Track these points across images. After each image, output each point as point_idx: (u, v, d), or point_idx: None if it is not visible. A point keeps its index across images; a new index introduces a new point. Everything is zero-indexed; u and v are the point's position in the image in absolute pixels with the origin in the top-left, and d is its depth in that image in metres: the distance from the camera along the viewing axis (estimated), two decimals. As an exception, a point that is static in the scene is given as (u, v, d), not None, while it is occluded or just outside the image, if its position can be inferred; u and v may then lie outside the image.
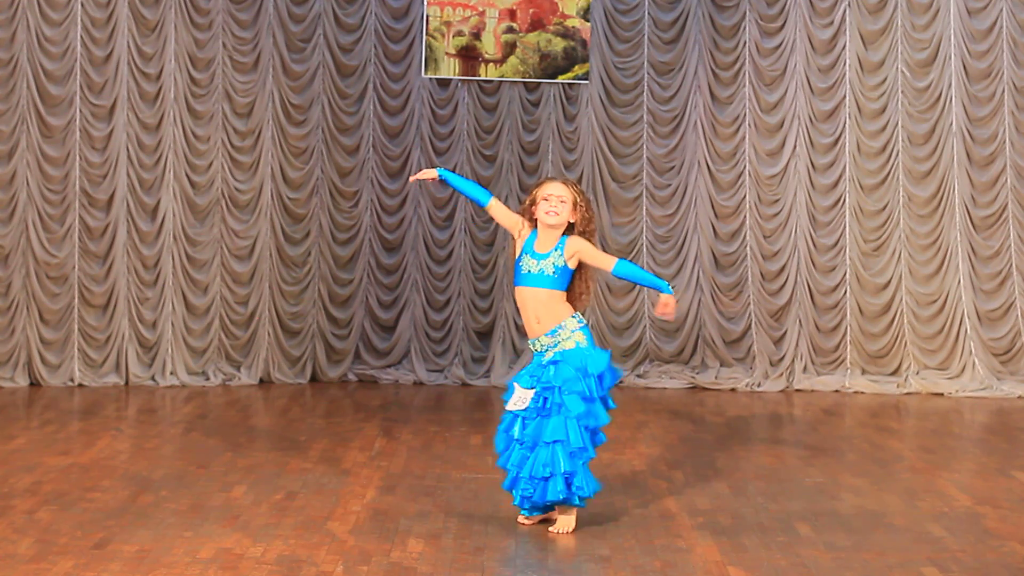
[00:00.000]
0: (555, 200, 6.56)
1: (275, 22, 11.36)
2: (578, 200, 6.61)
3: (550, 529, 6.52)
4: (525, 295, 6.59)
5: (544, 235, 6.60)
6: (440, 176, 6.89)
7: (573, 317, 6.58)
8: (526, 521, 6.63)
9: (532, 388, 6.54)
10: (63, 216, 10.98)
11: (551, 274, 6.54)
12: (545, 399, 6.48)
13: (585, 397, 6.48)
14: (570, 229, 6.63)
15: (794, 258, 11.64)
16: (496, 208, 6.78)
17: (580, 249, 6.57)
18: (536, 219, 6.61)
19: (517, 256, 6.64)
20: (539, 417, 6.49)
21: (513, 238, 6.70)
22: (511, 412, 6.60)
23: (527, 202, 6.67)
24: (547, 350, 6.56)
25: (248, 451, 8.37)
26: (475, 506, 6.96)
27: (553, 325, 6.54)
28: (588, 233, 6.63)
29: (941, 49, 11.55)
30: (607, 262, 6.59)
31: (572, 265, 6.58)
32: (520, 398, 6.56)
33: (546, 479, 6.44)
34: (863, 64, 11.60)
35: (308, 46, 11.45)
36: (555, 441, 6.43)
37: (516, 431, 6.56)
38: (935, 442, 9.35)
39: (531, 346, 6.65)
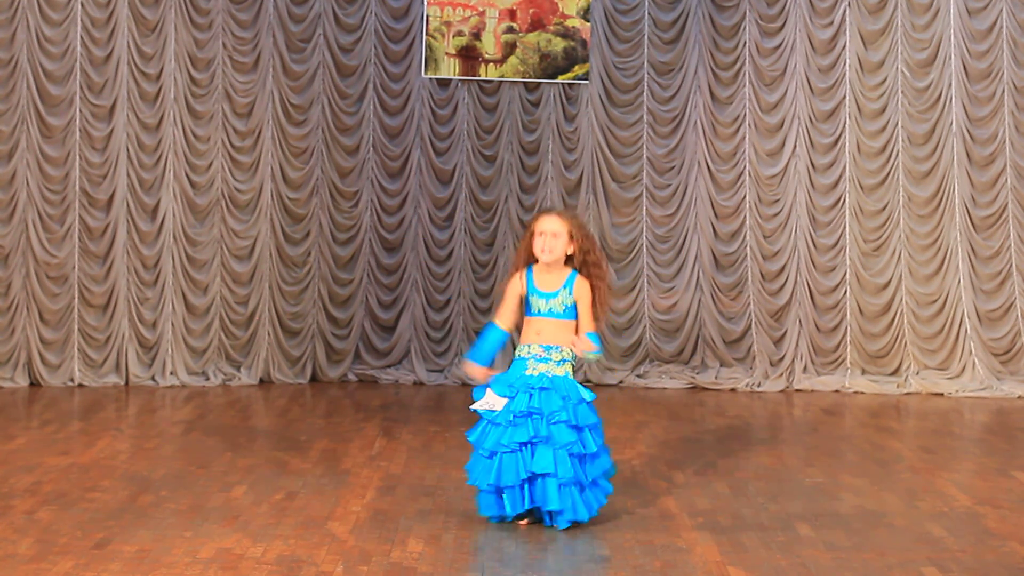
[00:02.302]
0: (548, 236, 6.54)
1: (275, 22, 11.36)
2: (574, 232, 6.59)
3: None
4: (535, 320, 6.60)
5: (544, 271, 6.59)
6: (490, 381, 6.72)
7: (569, 348, 6.59)
8: (522, 523, 6.64)
9: (506, 396, 6.51)
10: (63, 216, 10.98)
11: (562, 311, 6.57)
12: (533, 421, 6.48)
13: (571, 425, 6.48)
14: (572, 258, 6.63)
15: (794, 258, 11.64)
16: (508, 319, 6.68)
17: (580, 298, 6.56)
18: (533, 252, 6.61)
19: (524, 294, 6.63)
20: (530, 443, 6.48)
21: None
22: (485, 418, 6.57)
23: (527, 235, 6.66)
24: (534, 360, 6.55)
25: (248, 451, 8.37)
26: (475, 506, 6.95)
27: (553, 343, 6.55)
28: (589, 264, 6.59)
29: (941, 49, 11.55)
30: (586, 325, 6.54)
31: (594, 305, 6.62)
32: (488, 402, 6.54)
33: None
34: (863, 64, 11.61)
35: (308, 46, 11.45)
36: (545, 475, 6.43)
37: (503, 439, 6.52)
38: (935, 442, 9.35)
39: (518, 351, 6.63)
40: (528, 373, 6.54)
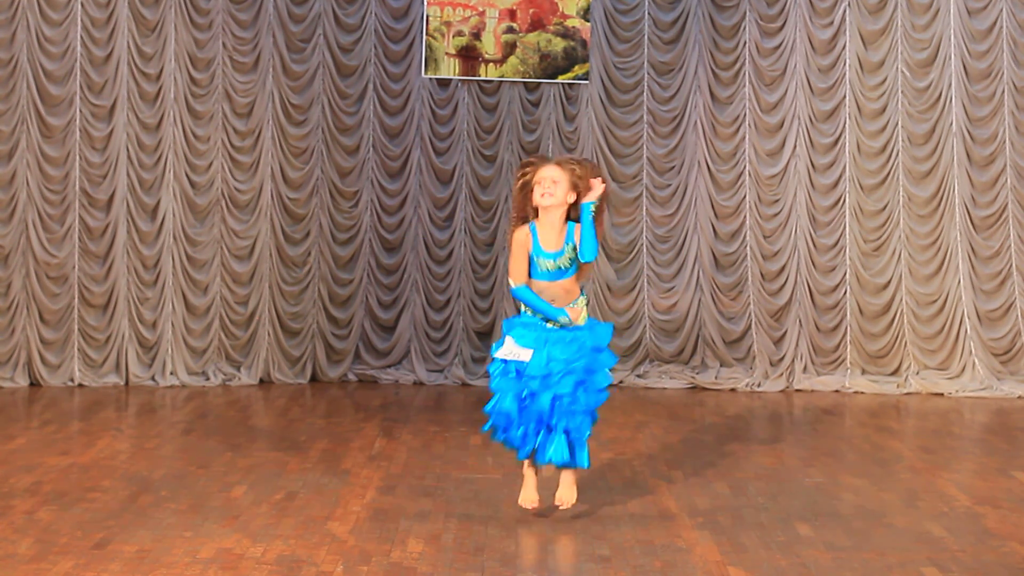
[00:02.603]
0: (547, 182, 6.54)
1: (275, 22, 11.36)
2: (576, 172, 6.56)
3: (555, 503, 6.68)
4: (542, 285, 6.62)
5: (547, 224, 6.58)
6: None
7: (582, 295, 6.69)
8: (530, 505, 6.67)
9: (530, 348, 6.56)
10: (63, 216, 10.98)
11: (567, 267, 6.61)
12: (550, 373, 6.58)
13: (586, 368, 6.59)
14: (572, 209, 6.62)
15: (794, 258, 11.64)
16: (526, 276, 6.71)
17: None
18: (535, 206, 6.60)
19: (530, 252, 6.64)
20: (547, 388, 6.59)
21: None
22: (507, 363, 6.64)
23: (518, 186, 6.62)
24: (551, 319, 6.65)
25: (248, 451, 8.37)
26: (475, 506, 6.96)
27: (567, 303, 6.62)
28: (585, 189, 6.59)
29: (941, 49, 11.55)
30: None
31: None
32: (512, 351, 6.58)
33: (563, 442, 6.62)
34: (863, 64, 11.61)
35: (308, 46, 11.45)
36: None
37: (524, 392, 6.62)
38: (935, 442, 9.35)
39: (533, 312, 6.69)
40: (549, 326, 6.61)
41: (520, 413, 6.58)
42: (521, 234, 6.59)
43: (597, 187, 6.55)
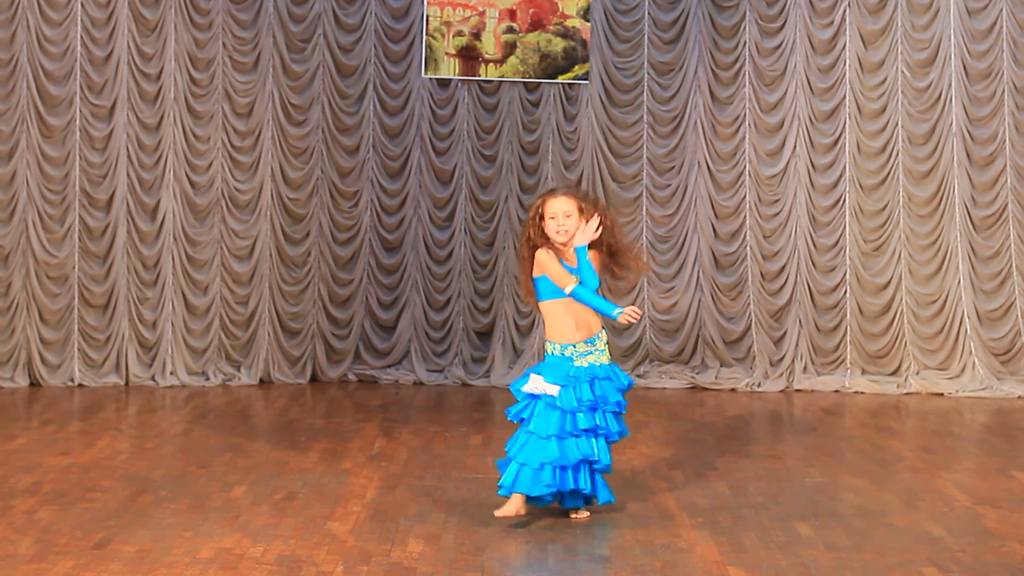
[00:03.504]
0: (561, 216, 6.62)
1: (275, 22, 11.36)
2: (583, 206, 6.64)
3: (571, 516, 6.73)
4: (571, 307, 6.66)
5: (562, 251, 6.67)
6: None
7: (604, 329, 6.74)
8: (509, 513, 6.66)
9: (557, 384, 6.60)
10: (63, 216, 10.98)
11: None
12: (597, 412, 6.65)
13: (615, 413, 6.70)
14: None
15: (794, 258, 11.64)
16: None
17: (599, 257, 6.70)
18: (548, 235, 6.66)
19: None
20: (594, 431, 6.66)
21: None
22: (542, 400, 6.66)
23: (533, 217, 6.67)
24: (579, 356, 6.66)
25: (248, 451, 8.37)
26: (475, 506, 6.96)
27: (590, 335, 6.68)
28: (613, 239, 6.69)
29: (941, 49, 11.55)
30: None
31: (600, 272, 6.69)
32: (538, 386, 6.62)
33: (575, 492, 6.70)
34: (863, 64, 11.61)
35: (308, 46, 11.45)
36: (594, 461, 6.64)
37: (567, 426, 6.64)
38: (935, 442, 9.35)
39: (553, 348, 6.71)
40: (578, 364, 6.65)
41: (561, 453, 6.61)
42: (544, 252, 6.61)
43: (590, 227, 6.56)
